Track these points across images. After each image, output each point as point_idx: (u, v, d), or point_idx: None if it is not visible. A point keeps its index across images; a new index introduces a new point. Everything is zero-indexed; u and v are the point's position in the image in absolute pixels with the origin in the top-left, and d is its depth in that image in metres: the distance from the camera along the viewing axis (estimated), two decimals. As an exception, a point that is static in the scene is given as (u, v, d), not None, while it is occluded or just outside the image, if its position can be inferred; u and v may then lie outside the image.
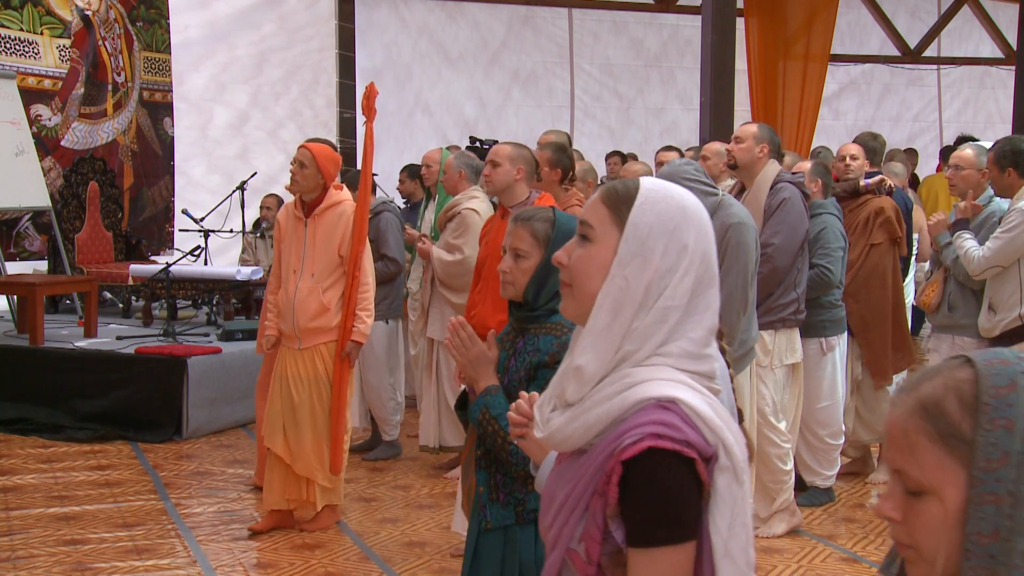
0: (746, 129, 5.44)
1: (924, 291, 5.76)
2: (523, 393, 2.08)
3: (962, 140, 7.09)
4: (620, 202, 1.73)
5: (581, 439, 1.70)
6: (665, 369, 1.67)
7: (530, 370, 2.70)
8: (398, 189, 8.62)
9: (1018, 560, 1.12)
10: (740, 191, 5.45)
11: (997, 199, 5.51)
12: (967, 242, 5.35)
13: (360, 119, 5.47)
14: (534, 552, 2.74)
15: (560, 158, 5.72)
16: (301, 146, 5.48)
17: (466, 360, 2.69)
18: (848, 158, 6.41)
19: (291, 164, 5.49)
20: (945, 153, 12.16)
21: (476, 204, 6.32)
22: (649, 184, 1.75)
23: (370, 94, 5.42)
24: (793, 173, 5.56)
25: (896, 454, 1.22)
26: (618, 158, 10.07)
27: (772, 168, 5.36)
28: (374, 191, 7.05)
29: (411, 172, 8.53)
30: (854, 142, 6.80)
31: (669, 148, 7.62)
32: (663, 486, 1.60)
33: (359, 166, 11.26)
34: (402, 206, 8.28)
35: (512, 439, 2.10)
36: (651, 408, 1.63)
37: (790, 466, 5.40)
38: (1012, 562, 1.12)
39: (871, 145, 6.87)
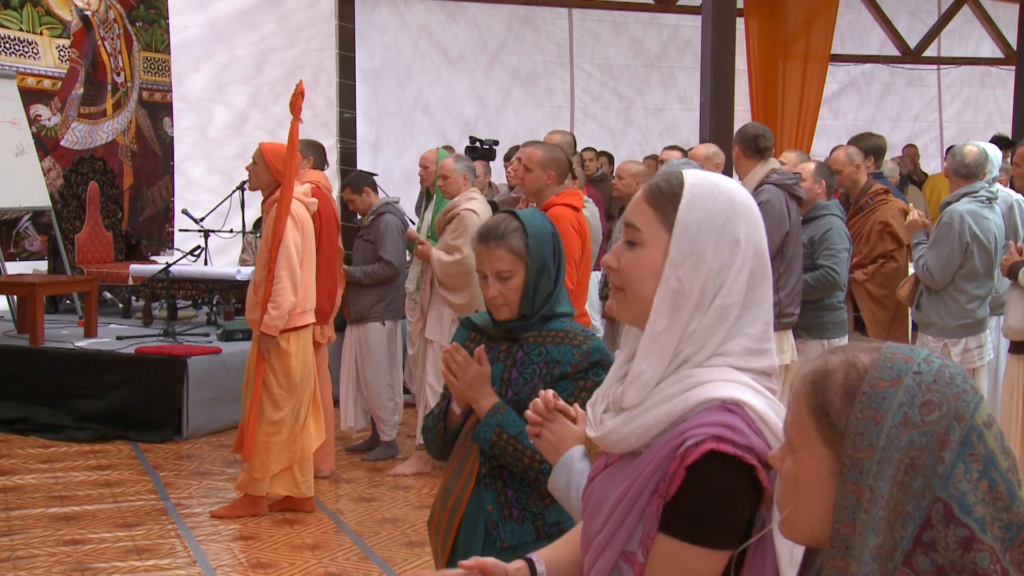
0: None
1: (902, 285, 5.84)
2: (541, 392, 2.03)
3: (997, 140, 7.09)
4: (666, 201, 1.68)
5: (639, 440, 1.66)
6: (727, 370, 1.63)
7: (550, 383, 2.57)
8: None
9: (867, 557, 1.14)
10: None
11: (962, 201, 5.56)
12: None
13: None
14: None
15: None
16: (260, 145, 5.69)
17: (465, 383, 2.61)
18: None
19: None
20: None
21: (474, 205, 6.32)
22: (694, 179, 1.69)
23: (298, 92, 5.53)
24: (794, 173, 5.55)
25: (790, 405, 1.29)
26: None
27: (761, 169, 5.35)
28: (374, 190, 7.03)
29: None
30: (849, 144, 6.81)
31: (672, 148, 7.59)
32: (717, 488, 1.56)
33: (359, 166, 11.30)
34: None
35: (530, 436, 2.04)
36: (715, 410, 1.59)
37: None
38: (862, 558, 1.14)
39: (863, 146, 6.87)
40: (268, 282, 5.48)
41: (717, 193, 1.67)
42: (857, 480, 1.16)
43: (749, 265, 1.66)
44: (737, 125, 8.77)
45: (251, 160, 5.64)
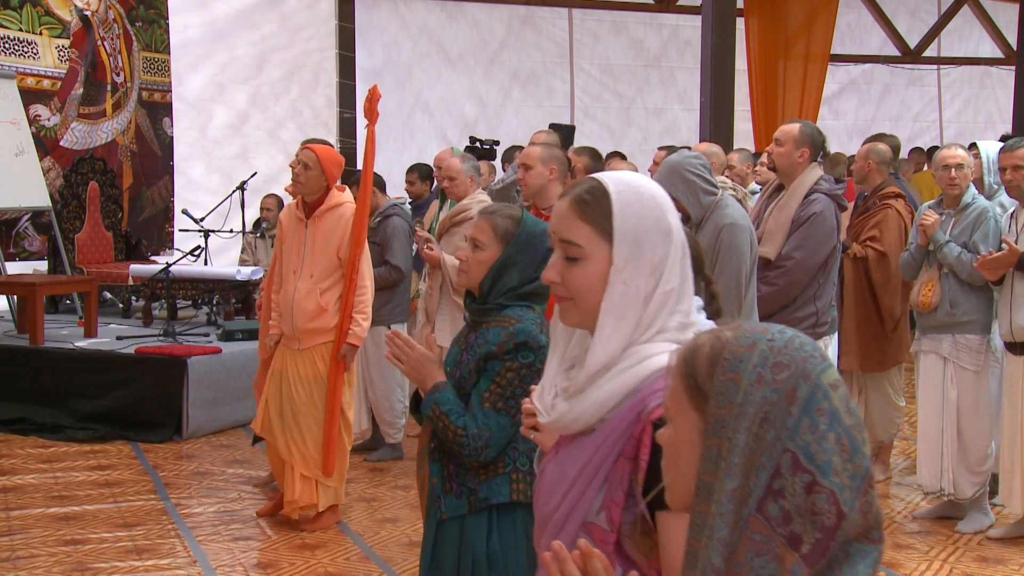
0: (787, 131, 5.25)
1: (921, 291, 5.61)
2: (533, 387, 2.09)
3: (1007, 138, 7.06)
4: (598, 214, 1.76)
5: (594, 416, 1.75)
6: (668, 344, 1.73)
7: (479, 361, 2.77)
8: (407, 191, 8.57)
9: (724, 499, 1.26)
10: (777, 189, 5.37)
11: (980, 197, 5.57)
12: None
13: (363, 120, 5.45)
14: (485, 544, 2.80)
15: (595, 165, 5.89)
16: (305, 147, 5.46)
17: (408, 365, 2.80)
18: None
19: (293, 165, 5.49)
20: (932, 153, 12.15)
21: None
22: (615, 186, 1.78)
23: (373, 97, 5.39)
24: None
25: (666, 381, 1.42)
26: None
27: (811, 175, 5.15)
28: (384, 192, 6.98)
29: (421, 173, 8.44)
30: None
31: (667, 148, 7.58)
32: None
33: (359, 166, 11.29)
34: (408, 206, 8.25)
35: (525, 431, 2.12)
36: None
37: None
38: (720, 500, 1.27)
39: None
40: (349, 291, 5.35)
41: (641, 193, 1.77)
42: (719, 434, 1.28)
43: (681, 249, 1.77)
44: (737, 125, 8.80)
45: (301, 164, 5.39)
